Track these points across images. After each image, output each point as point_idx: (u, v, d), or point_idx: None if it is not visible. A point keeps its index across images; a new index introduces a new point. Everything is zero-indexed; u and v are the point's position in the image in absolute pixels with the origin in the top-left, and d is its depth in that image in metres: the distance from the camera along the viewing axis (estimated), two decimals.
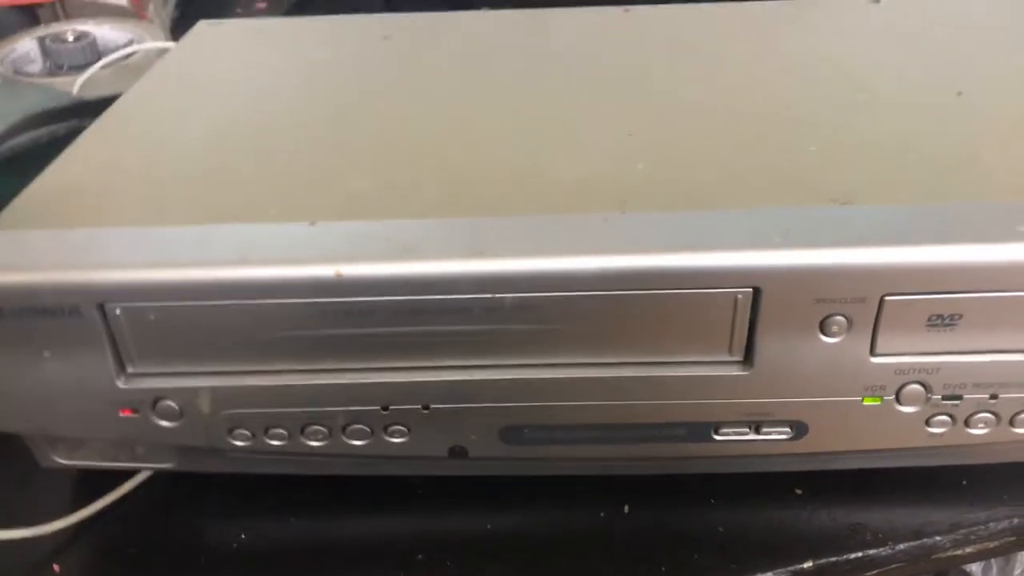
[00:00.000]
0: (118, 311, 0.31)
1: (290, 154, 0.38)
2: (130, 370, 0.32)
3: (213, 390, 0.33)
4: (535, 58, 0.47)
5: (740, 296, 0.30)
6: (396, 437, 0.34)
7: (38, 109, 0.46)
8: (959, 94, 0.39)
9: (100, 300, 0.31)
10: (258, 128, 0.40)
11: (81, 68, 0.63)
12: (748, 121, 0.38)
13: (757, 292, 0.30)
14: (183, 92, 0.45)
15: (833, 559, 0.33)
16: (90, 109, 0.47)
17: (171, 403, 0.33)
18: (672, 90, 0.42)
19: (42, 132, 0.46)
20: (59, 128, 0.46)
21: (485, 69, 0.46)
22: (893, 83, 0.41)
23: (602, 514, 0.36)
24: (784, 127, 0.37)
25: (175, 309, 0.31)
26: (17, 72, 0.65)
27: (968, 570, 0.89)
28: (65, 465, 0.36)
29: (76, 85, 0.59)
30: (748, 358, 0.32)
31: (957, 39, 0.46)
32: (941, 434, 0.32)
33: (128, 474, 0.38)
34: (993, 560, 0.89)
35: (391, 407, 0.33)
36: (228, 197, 0.35)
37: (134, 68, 0.62)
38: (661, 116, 0.39)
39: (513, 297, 0.30)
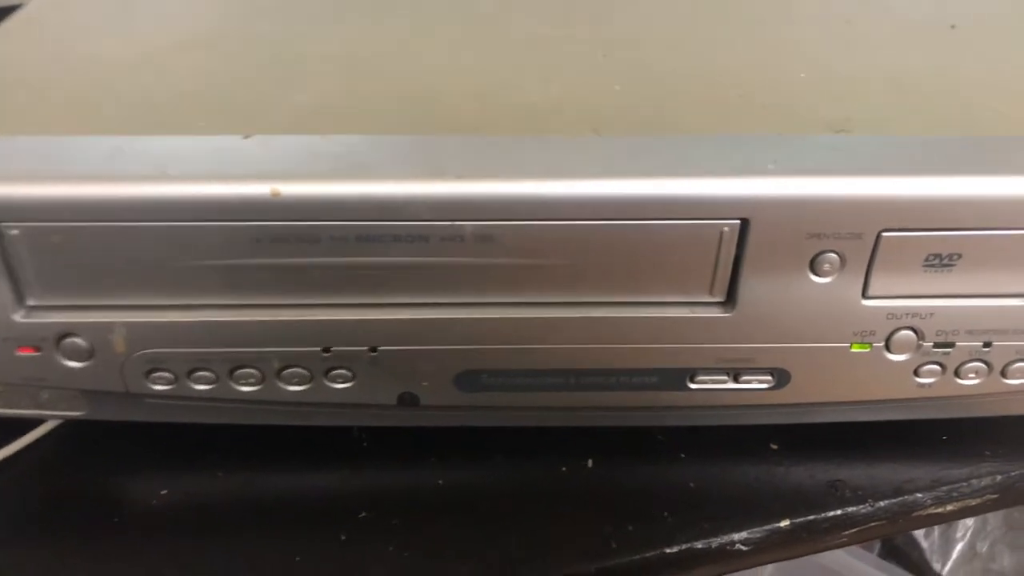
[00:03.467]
0: (15, 232, 0.27)
1: (220, 64, 0.34)
2: (30, 302, 0.28)
3: (128, 326, 0.28)
4: None
5: (726, 229, 0.27)
6: (339, 382, 0.30)
7: None
8: (952, 27, 0.37)
9: None
10: (183, 37, 0.36)
11: None
12: (730, 45, 0.35)
13: (745, 225, 0.27)
14: None
15: (811, 517, 0.31)
16: None
17: (79, 340, 0.29)
18: (649, 11, 0.39)
19: None
20: None
21: None
22: (885, 14, 0.38)
23: (564, 468, 0.33)
24: (769, 52, 0.35)
25: (83, 230, 0.27)
26: None
27: (911, 532, 0.90)
28: None
29: None
30: (730, 299, 0.29)
31: None
32: (930, 384, 0.30)
33: (32, 423, 0.33)
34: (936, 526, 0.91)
35: (333, 348, 0.29)
36: (146, 107, 0.30)
37: None
38: (637, 38, 0.36)
39: (475, 225, 0.27)
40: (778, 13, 0.39)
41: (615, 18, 0.38)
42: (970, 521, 0.90)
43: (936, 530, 0.90)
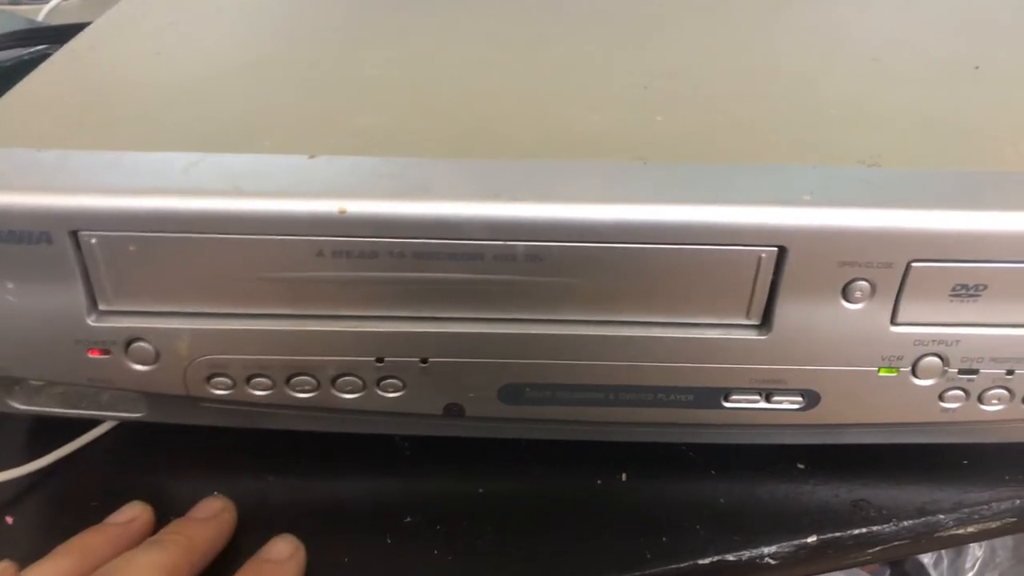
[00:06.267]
0: (93, 240, 0.28)
1: (285, 86, 0.35)
2: (102, 307, 0.30)
3: (193, 332, 0.30)
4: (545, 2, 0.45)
5: (764, 255, 0.29)
6: (390, 392, 0.31)
7: (2, 31, 0.42)
8: (976, 68, 0.39)
9: (74, 227, 0.28)
10: (249, 60, 0.38)
11: None
12: (764, 81, 0.37)
13: (782, 252, 0.28)
14: (167, 17, 0.42)
15: (837, 534, 0.32)
16: (59, 34, 0.44)
17: (146, 345, 0.30)
18: (686, 47, 0.40)
19: (5, 56, 0.42)
20: (24, 53, 0.43)
21: (496, 10, 0.44)
22: (910, 54, 0.40)
23: (599, 481, 0.34)
24: (802, 89, 0.36)
25: (157, 241, 0.28)
26: None
27: (921, 561, 0.90)
28: (22, 411, 0.34)
29: (42, 13, 0.55)
30: (766, 322, 0.30)
31: (972, 15, 0.45)
32: (954, 409, 0.32)
33: (91, 423, 0.35)
34: (944, 552, 0.91)
35: (387, 359, 0.31)
36: (216, 126, 0.32)
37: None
38: (676, 71, 0.37)
39: (526, 245, 0.28)
40: (808, 51, 0.40)
41: (652, 50, 0.39)
42: (979, 552, 0.91)
43: (945, 560, 0.91)
